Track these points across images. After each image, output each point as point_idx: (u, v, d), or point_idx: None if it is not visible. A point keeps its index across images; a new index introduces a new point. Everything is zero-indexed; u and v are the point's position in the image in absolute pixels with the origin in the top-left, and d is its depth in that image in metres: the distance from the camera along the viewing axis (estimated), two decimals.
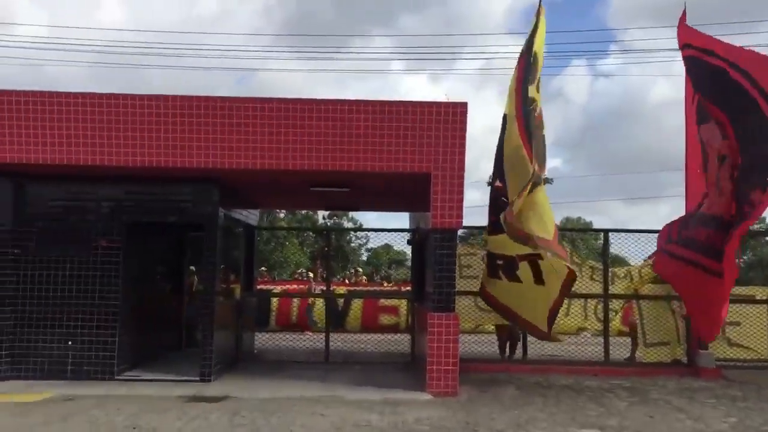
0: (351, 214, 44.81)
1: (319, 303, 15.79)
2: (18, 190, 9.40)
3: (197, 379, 9.23)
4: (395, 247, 38.35)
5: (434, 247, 9.06)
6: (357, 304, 16.66)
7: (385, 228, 13.17)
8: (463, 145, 8.95)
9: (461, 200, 8.96)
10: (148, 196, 9.58)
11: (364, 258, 49.01)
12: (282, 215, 42.34)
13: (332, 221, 45.38)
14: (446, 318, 8.88)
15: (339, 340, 13.32)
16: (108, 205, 9.50)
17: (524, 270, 9.13)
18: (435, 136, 8.90)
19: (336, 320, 15.37)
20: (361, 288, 18.67)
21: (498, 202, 9.66)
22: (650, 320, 11.48)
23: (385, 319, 16.76)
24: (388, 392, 8.83)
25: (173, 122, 8.79)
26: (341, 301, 16.34)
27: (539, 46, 9.36)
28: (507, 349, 11.98)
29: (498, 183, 10.03)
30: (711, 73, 8.58)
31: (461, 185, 8.95)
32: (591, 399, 8.82)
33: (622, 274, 12.02)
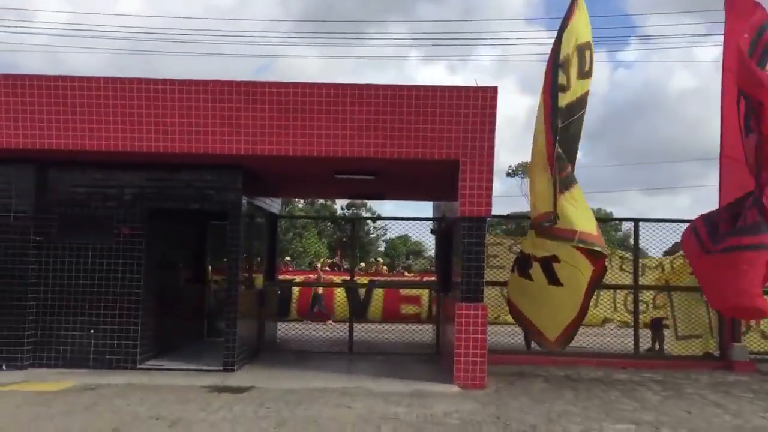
0: (369, 204, 44.67)
1: (341, 293, 15.62)
2: (40, 176, 9.27)
3: (220, 368, 9.11)
4: (413, 238, 38.11)
5: (462, 235, 8.82)
6: (378, 293, 16.49)
7: (409, 217, 12.91)
8: (492, 131, 8.70)
9: (490, 188, 8.72)
10: (170, 183, 9.43)
11: (382, 249, 48.85)
12: (300, 205, 42.27)
13: (350, 211, 45.25)
14: (474, 308, 8.66)
15: (361, 330, 13.14)
16: (130, 191, 9.36)
17: (536, 271, 8.89)
18: (464, 121, 8.65)
19: (357, 310, 15.21)
20: (383, 278, 18.47)
21: None
22: (682, 312, 11.19)
23: (407, 308, 16.59)
24: (415, 384, 8.65)
25: (196, 107, 8.62)
26: (363, 291, 16.16)
27: (586, 34, 9.01)
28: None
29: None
30: None
31: (490, 172, 8.71)
32: (623, 393, 8.57)
33: (653, 265, 11.73)
